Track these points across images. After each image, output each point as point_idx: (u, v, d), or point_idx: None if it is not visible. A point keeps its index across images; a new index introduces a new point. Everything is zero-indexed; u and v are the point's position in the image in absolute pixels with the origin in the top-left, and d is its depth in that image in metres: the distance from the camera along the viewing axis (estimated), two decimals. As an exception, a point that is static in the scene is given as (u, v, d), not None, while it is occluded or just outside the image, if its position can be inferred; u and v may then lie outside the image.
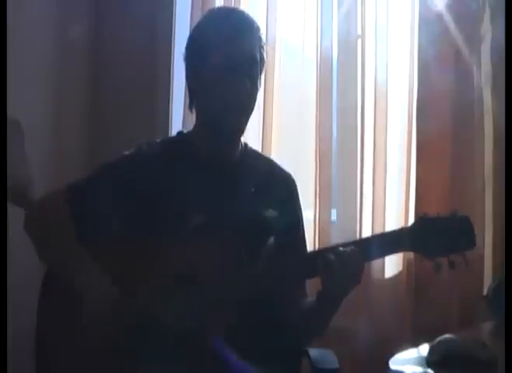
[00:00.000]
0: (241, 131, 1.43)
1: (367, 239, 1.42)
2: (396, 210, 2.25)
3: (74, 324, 1.26)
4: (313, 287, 1.40)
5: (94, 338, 1.23)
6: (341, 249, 1.26)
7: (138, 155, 1.40)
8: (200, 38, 1.41)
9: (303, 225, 1.51)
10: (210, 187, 1.36)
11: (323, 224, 2.24)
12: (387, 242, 1.31)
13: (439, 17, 2.12)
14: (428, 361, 1.45)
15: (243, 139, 1.47)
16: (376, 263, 2.18)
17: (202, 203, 1.33)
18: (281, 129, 2.32)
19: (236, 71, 1.33)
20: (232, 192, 1.39)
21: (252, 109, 1.40)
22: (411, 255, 2.16)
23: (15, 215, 1.40)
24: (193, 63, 1.41)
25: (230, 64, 1.33)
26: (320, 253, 1.33)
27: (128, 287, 1.26)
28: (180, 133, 1.50)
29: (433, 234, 1.26)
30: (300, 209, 1.52)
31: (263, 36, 1.43)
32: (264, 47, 1.43)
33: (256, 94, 1.40)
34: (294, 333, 1.38)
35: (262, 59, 1.41)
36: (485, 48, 2.10)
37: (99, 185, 1.36)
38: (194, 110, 1.44)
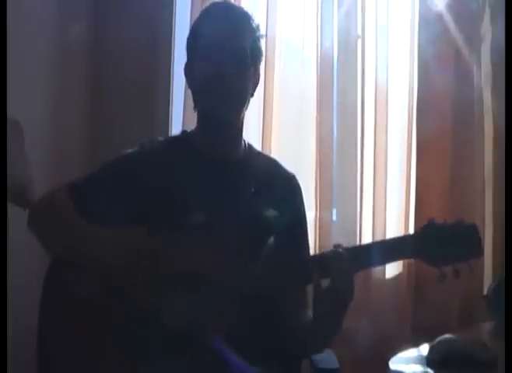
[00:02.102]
0: (237, 127, 1.42)
1: (371, 246, 1.41)
2: (396, 209, 2.26)
3: (76, 322, 1.26)
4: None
5: (100, 328, 1.23)
6: (337, 258, 1.23)
7: (140, 153, 1.41)
8: (192, 34, 1.43)
9: (306, 226, 1.51)
10: (212, 186, 1.36)
11: (323, 224, 2.24)
12: (391, 249, 1.29)
13: (439, 17, 2.12)
14: (428, 361, 1.46)
15: (245, 139, 1.48)
16: (376, 263, 2.18)
17: (204, 202, 1.33)
18: (281, 129, 2.32)
19: (223, 63, 1.33)
20: (234, 191, 1.39)
21: (243, 103, 1.39)
22: (411, 255, 2.16)
23: (15, 215, 1.40)
24: (188, 59, 1.43)
25: (218, 57, 1.33)
26: (319, 257, 1.31)
27: (128, 286, 1.25)
28: (183, 132, 1.51)
29: (439, 242, 1.24)
30: (304, 210, 1.51)
31: (259, 28, 1.41)
32: (261, 38, 1.41)
33: (248, 86, 1.39)
34: (294, 337, 1.37)
35: (257, 50, 1.40)
36: (485, 48, 2.11)
37: (102, 182, 1.36)
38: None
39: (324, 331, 1.30)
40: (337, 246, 1.27)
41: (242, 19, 1.39)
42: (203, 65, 1.36)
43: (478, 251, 1.25)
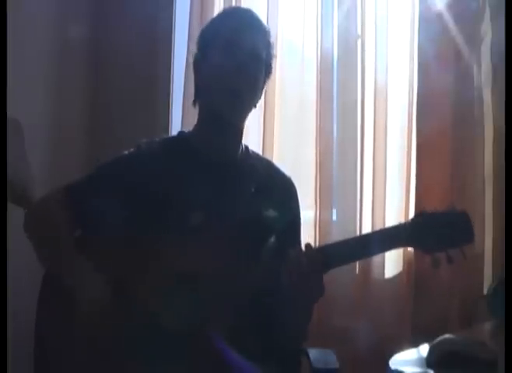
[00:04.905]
0: (239, 128, 1.43)
1: (365, 236, 1.43)
2: (396, 210, 2.25)
3: (73, 324, 1.26)
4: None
5: (88, 335, 1.24)
6: (300, 259, 1.24)
7: (137, 154, 1.41)
8: (211, 34, 1.43)
9: (300, 228, 1.52)
10: (210, 186, 1.37)
11: (323, 224, 2.24)
12: (386, 238, 1.30)
13: (439, 17, 2.12)
14: (428, 361, 1.45)
15: (243, 141, 1.48)
16: (376, 263, 2.19)
17: (203, 202, 1.34)
18: (281, 129, 2.32)
19: (239, 68, 1.34)
20: (233, 192, 1.39)
21: (251, 108, 1.41)
22: (411, 255, 2.16)
23: (15, 215, 1.40)
24: (201, 57, 1.43)
25: (235, 61, 1.34)
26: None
27: (127, 286, 1.25)
28: (180, 133, 1.51)
29: (431, 229, 1.26)
30: (299, 212, 1.52)
31: (272, 43, 1.44)
32: (273, 54, 1.44)
33: (257, 94, 1.41)
34: (292, 337, 1.38)
35: (269, 64, 1.42)
36: (485, 48, 2.10)
37: (98, 184, 1.37)
38: (197, 107, 1.45)
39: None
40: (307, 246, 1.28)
41: (262, 30, 1.42)
42: (222, 68, 1.35)
43: (470, 236, 1.26)
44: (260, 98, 1.44)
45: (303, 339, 1.43)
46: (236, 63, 1.34)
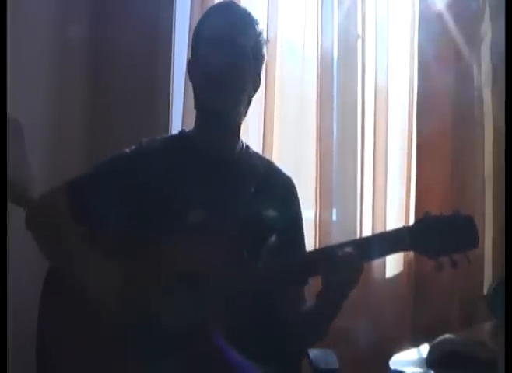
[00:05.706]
0: (235, 123, 1.43)
1: (368, 239, 1.42)
2: (396, 209, 2.26)
3: (76, 323, 1.26)
4: (313, 288, 1.40)
5: (99, 329, 1.24)
6: (340, 251, 1.24)
7: (138, 152, 1.41)
8: (196, 31, 1.45)
9: (303, 227, 1.51)
10: (210, 185, 1.37)
11: (323, 224, 2.24)
12: (389, 242, 1.29)
13: (439, 17, 2.12)
14: (428, 361, 1.45)
15: (243, 140, 1.48)
16: (376, 262, 2.18)
17: (203, 200, 1.34)
18: (282, 129, 2.32)
19: (222, 59, 1.34)
20: (233, 190, 1.40)
21: (240, 96, 1.39)
22: (411, 255, 2.16)
23: (15, 215, 1.40)
24: (192, 56, 1.45)
25: (216, 53, 1.35)
26: (318, 254, 1.32)
27: (127, 285, 1.25)
28: (181, 131, 1.52)
29: (436, 233, 1.25)
30: (300, 211, 1.52)
31: (262, 33, 1.44)
32: (263, 42, 1.43)
33: (248, 88, 1.40)
34: (294, 335, 1.37)
35: (258, 53, 1.42)
36: (485, 48, 2.11)
37: (100, 181, 1.37)
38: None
39: (325, 318, 1.33)
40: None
41: (245, 20, 1.41)
42: (205, 61, 1.37)
43: (475, 241, 1.25)
44: (258, 86, 1.44)
45: (319, 338, 1.41)
46: (218, 55, 1.34)
